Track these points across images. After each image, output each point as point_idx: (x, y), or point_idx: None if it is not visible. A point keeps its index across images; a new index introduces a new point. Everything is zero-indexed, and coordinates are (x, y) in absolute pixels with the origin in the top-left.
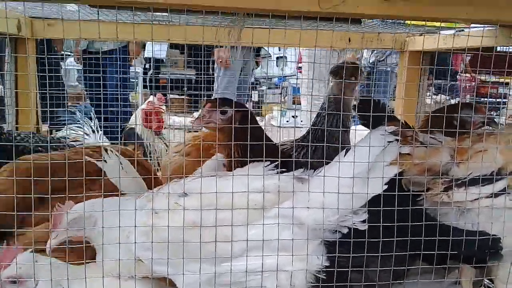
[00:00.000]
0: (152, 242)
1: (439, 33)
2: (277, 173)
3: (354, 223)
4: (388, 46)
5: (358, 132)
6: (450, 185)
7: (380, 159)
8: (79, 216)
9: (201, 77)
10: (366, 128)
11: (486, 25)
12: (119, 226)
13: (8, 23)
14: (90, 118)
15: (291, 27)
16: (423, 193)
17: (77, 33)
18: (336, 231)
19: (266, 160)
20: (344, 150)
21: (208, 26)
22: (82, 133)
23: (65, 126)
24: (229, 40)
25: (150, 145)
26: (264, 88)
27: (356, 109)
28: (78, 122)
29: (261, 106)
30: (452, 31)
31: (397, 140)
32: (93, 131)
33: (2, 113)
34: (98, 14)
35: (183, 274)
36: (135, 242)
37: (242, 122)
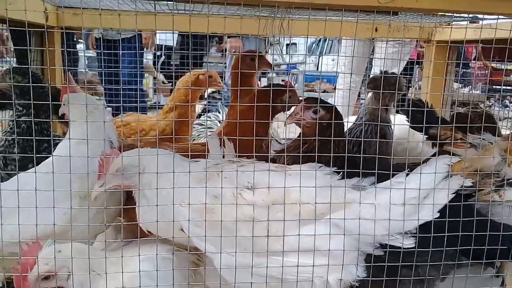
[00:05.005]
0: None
1: (467, 25)
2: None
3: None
4: (415, 36)
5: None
6: (501, 184)
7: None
8: (127, 164)
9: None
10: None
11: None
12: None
13: (36, 13)
14: None
15: (315, 18)
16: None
17: (100, 23)
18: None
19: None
20: (406, 172)
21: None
22: (217, 122)
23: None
24: (272, 32)
25: None
26: (273, 75)
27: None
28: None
29: None
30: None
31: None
32: None
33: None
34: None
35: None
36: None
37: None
